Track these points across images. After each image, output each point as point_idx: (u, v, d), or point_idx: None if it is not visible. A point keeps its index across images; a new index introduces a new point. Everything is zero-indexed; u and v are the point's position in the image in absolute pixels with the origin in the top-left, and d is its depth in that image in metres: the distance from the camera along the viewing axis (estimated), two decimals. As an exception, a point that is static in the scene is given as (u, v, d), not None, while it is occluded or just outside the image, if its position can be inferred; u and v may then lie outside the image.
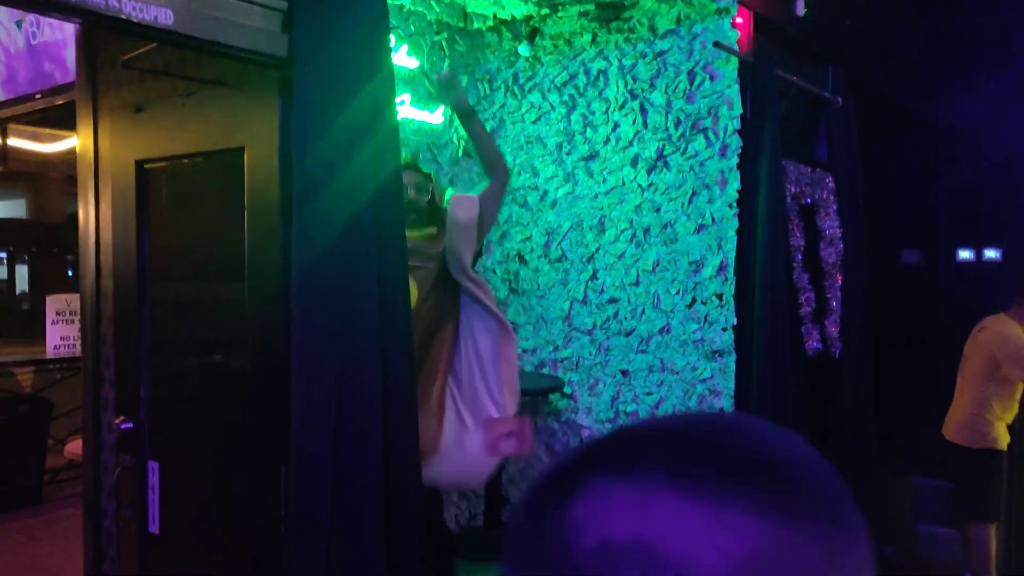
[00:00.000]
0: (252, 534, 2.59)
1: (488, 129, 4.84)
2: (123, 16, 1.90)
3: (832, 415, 5.52)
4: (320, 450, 2.20)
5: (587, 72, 4.77)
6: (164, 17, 1.97)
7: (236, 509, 2.69)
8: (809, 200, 5.14)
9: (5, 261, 12.60)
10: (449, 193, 3.53)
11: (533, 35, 4.66)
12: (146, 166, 2.83)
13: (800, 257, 4.90)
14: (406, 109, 4.45)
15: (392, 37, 2.68)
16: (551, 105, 4.85)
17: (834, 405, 5.49)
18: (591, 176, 4.78)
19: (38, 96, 5.30)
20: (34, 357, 6.95)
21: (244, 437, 2.64)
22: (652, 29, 4.59)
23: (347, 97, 2.27)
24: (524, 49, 4.68)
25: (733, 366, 4.42)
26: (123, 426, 2.86)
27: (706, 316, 4.48)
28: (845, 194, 5.45)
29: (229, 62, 2.43)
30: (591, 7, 4.39)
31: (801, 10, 4.96)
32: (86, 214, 3.27)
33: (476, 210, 3.25)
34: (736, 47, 4.37)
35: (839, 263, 5.37)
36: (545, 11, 4.48)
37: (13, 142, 6.53)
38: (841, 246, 5.39)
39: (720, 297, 4.45)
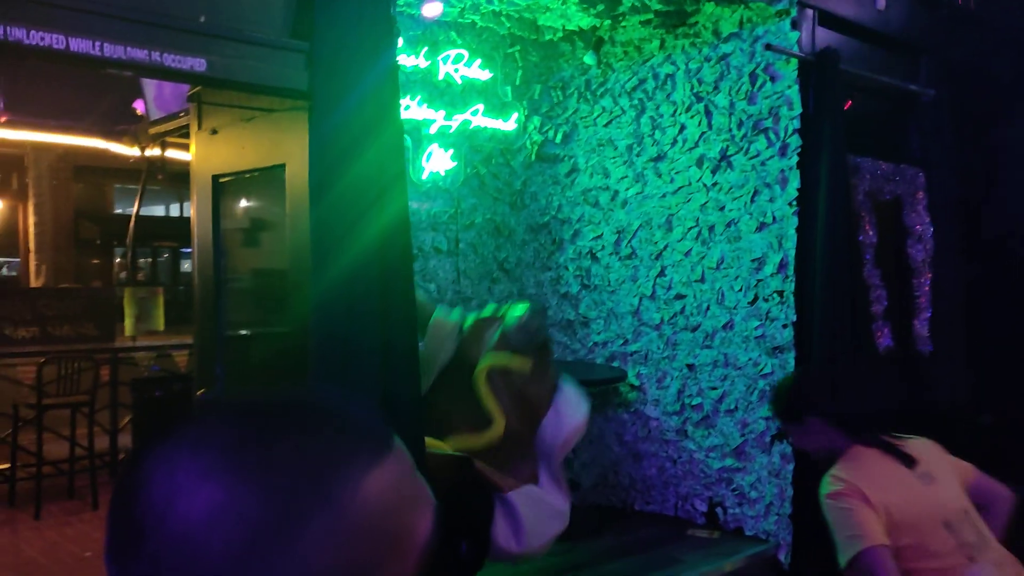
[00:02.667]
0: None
1: (561, 135, 5.13)
2: (164, 67, 2.36)
3: (925, 413, 5.42)
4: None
5: (655, 76, 4.96)
6: (199, 66, 2.42)
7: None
8: (889, 196, 5.08)
9: (168, 256, 13.87)
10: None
11: (599, 45, 4.90)
12: (220, 179, 3.35)
13: (871, 255, 4.86)
14: (479, 118, 4.81)
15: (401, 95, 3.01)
16: (622, 109, 5.07)
17: (927, 403, 5.40)
18: (659, 176, 4.96)
19: (182, 114, 6.08)
20: (187, 341, 7.85)
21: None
22: (716, 33, 4.72)
23: (357, 133, 2.64)
24: (590, 58, 4.92)
25: (793, 363, 4.49)
26: (200, 396, 3.39)
27: (767, 313, 4.58)
28: (936, 190, 5.34)
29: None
30: (651, 15, 4.58)
31: (882, 3, 4.92)
32: (192, 218, 3.82)
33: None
34: (795, 48, 4.44)
35: (928, 260, 5.27)
36: (607, 22, 4.70)
37: (169, 153, 7.42)
38: (932, 243, 5.29)
39: (781, 294, 4.53)
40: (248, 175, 3.23)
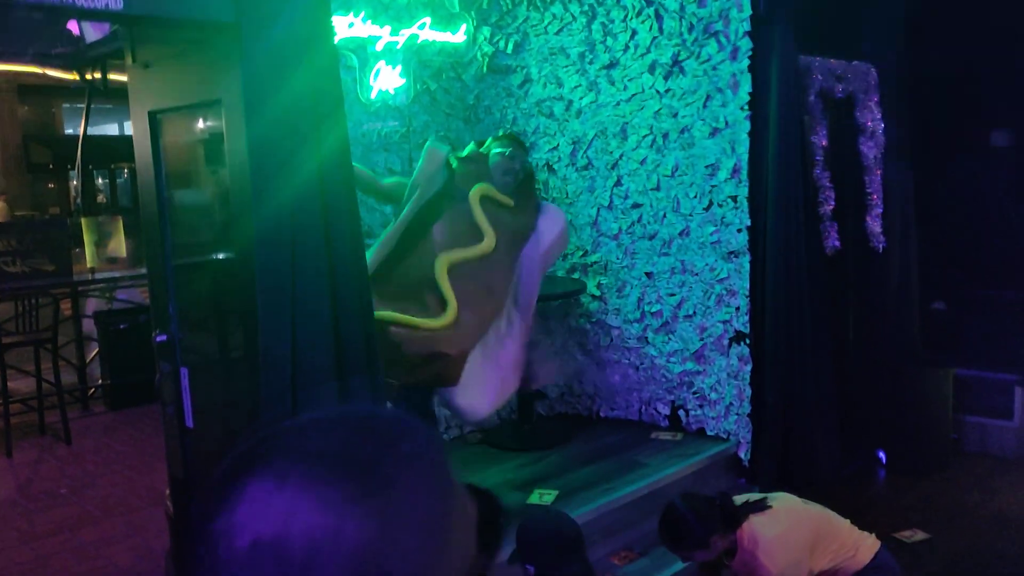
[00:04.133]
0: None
1: (512, 45, 5.04)
2: (77, 7, 2.27)
3: (875, 307, 5.56)
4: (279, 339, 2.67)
5: (605, -20, 4.84)
6: (114, 4, 2.32)
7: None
8: (841, 94, 5.08)
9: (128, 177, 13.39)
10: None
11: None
12: (157, 115, 3.26)
13: (821, 156, 4.88)
14: (427, 32, 4.68)
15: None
16: (572, 16, 4.96)
17: (877, 297, 5.53)
18: (612, 84, 4.90)
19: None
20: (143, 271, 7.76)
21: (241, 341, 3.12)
22: (664, -68, 4.59)
23: (290, 62, 2.57)
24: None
25: (748, 266, 4.56)
26: (157, 338, 3.39)
27: (722, 218, 4.62)
28: (888, 85, 5.33)
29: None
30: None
31: None
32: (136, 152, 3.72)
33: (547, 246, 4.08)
34: (744, -54, 4.34)
35: (880, 157, 5.31)
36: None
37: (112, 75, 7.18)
38: (883, 140, 5.31)
39: (735, 199, 4.56)
40: (184, 109, 3.15)
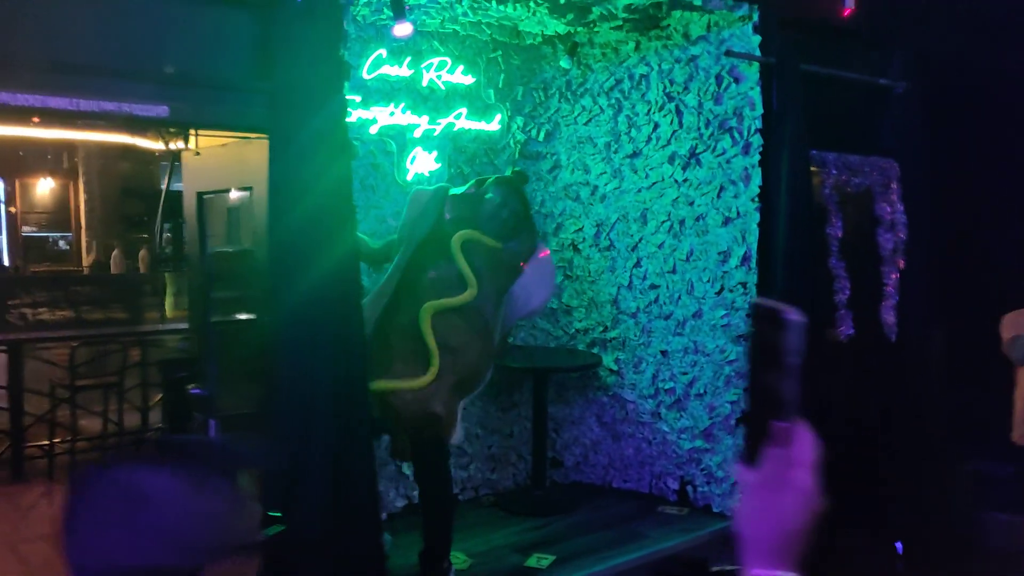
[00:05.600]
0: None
1: (544, 133, 5.42)
2: (132, 115, 2.72)
3: (895, 396, 5.65)
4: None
5: (631, 77, 5.20)
6: (162, 112, 2.77)
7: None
8: (857, 188, 5.28)
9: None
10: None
11: (574, 49, 5.16)
12: (203, 195, 3.72)
13: (836, 247, 5.08)
14: (463, 121, 5.11)
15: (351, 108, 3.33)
16: (600, 108, 5.33)
17: (898, 386, 5.62)
18: (635, 172, 5.22)
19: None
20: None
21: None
22: (686, 36, 4.94)
23: (309, 163, 2.99)
24: (565, 62, 5.19)
25: (755, 350, 4.75)
26: (193, 391, 3.81)
27: (732, 303, 4.85)
28: (909, 180, 5.51)
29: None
30: (621, 22, 4.81)
31: (851, 2, 5.07)
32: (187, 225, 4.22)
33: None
34: (757, 51, 4.65)
35: (900, 248, 5.47)
36: (581, 29, 4.95)
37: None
38: (903, 233, 5.48)
39: (744, 285, 4.79)
40: (224, 193, 3.61)
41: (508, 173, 4.06)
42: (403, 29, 4.08)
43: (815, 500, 0.94)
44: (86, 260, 17.93)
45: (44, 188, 18.93)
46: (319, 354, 3.08)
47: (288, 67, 2.96)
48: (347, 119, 3.18)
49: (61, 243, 20.12)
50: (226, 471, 1.19)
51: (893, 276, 5.41)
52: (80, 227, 18.46)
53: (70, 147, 17.83)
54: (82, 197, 18.32)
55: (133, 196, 19.24)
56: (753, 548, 0.93)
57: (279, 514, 2.86)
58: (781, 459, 0.94)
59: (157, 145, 8.58)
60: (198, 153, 3.67)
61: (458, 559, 4.26)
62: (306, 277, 3.03)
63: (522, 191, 4.16)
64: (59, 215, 18.98)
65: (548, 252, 4.30)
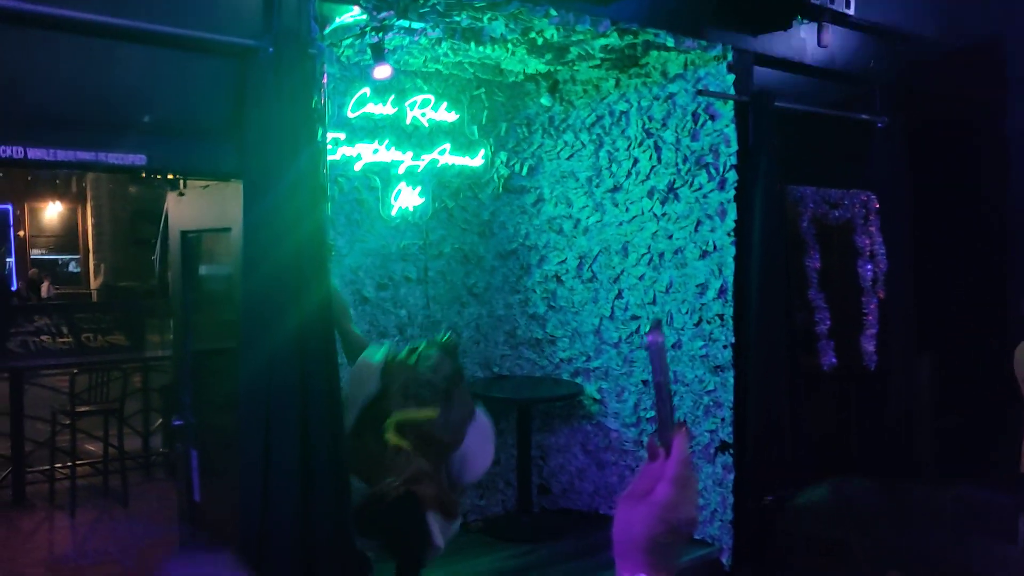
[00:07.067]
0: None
1: (527, 168, 5.54)
2: (109, 164, 2.86)
3: (877, 423, 5.73)
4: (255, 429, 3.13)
5: (611, 113, 5.33)
6: (139, 160, 2.91)
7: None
8: (836, 221, 5.38)
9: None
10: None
11: (554, 87, 5.30)
12: (187, 234, 3.86)
13: (815, 278, 5.18)
14: (447, 156, 5.24)
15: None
16: (582, 143, 5.46)
17: (879, 413, 5.70)
18: (616, 206, 5.34)
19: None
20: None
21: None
22: (664, 74, 5.07)
23: (283, 207, 3.11)
24: (546, 100, 5.33)
25: (732, 380, 4.85)
26: (174, 422, 3.93)
27: (710, 334, 4.94)
28: (889, 211, 5.61)
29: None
30: (599, 60, 4.94)
31: (826, 41, 5.19)
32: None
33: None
34: (732, 90, 4.77)
35: (880, 279, 5.56)
36: (561, 67, 5.09)
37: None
38: (883, 263, 5.57)
39: (721, 317, 4.89)
40: (207, 232, 3.74)
41: (442, 339, 3.89)
42: (383, 71, 4.23)
43: (675, 513, 0.98)
44: (94, 283, 18.18)
45: (52, 212, 19.22)
46: (288, 401, 3.19)
47: (260, 115, 3.09)
48: (323, 167, 3.30)
49: (72, 265, 20.42)
50: None
51: (872, 306, 5.49)
52: (88, 250, 18.73)
53: (79, 172, 18.12)
54: (90, 221, 18.61)
55: (144, 220, 19.50)
56: (618, 554, 1.01)
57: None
58: (647, 473, 1.01)
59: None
60: (183, 194, 3.81)
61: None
62: (279, 324, 3.14)
63: (455, 356, 3.97)
64: (67, 238, 19.27)
65: (485, 419, 4.02)
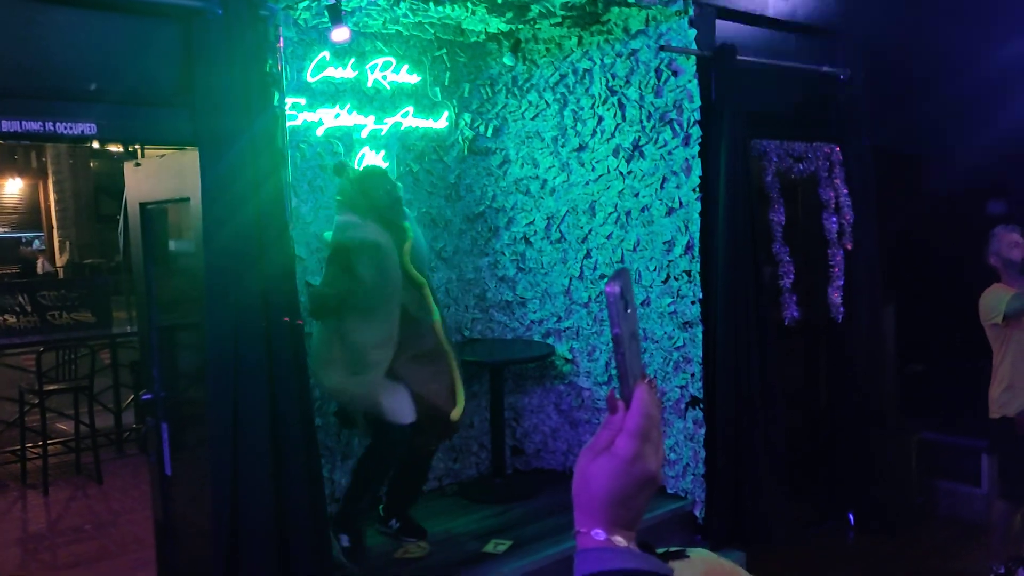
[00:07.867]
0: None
1: (492, 129, 5.50)
2: (57, 134, 2.79)
3: (845, 373, 5.80)
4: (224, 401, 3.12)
5: (575, 72, 5.29)
6: (89, 130, 2.85)
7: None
8: (800, 174, 5.40)
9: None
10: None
11: (516, 47, 5.24)
12: (146, 206, 3.79)
13: (780, 232, 5.21)
14: (410, 119, 5.18)
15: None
16: (546, 103, 5.42)
17: (846, 363, 5.77)
18: (582, 165, 5.32)
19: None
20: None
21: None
22: (626, 30, 5.03)
23: (240, 174, 3.06)
24: (508, 59, 5.27)
25: (701, 336, 4.88)
26: (143, 397, 3.89)
27: (678, 291, 4.96)
28: (853, 163, 5.64)
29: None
30: (560, 18, 4.89)
31: (788, -10, 5.16)
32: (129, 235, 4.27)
33: None
34: (694, 45, 4.74)
35: (846, 232, 5.60)
36: (523, 26, 5.03)
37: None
38: (849, 216, 5.60)
39: (688, 274, 4.90)
40: (165, 203, 3.67)
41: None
42: (341, 34, 4.15)
43: (635, 466, 0.97)
44: (59, 260, 17.89)
45: (13, 189, 18.83)
46: (254, 371, 3.17)
47: (212, 80, 3.03)
48: (281, 132, 3.25)
49: (36, 243, 20.04)
50: None
51: (839, 258, 5.54)
52: (52, 227, 18.40)
53: (38, 147, 17.74)
54: (52, 197, 18.25)
55: (107, 195, 19.16)
56: (577, 508, 1.00)
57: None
58: (609, 426, 1.00)
59: (117, 148, 8.61)
60: (139, 164, 3.74)
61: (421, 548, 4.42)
62: (242, 292, 3.11)
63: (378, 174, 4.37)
64: (29, 216, 18.90)
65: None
